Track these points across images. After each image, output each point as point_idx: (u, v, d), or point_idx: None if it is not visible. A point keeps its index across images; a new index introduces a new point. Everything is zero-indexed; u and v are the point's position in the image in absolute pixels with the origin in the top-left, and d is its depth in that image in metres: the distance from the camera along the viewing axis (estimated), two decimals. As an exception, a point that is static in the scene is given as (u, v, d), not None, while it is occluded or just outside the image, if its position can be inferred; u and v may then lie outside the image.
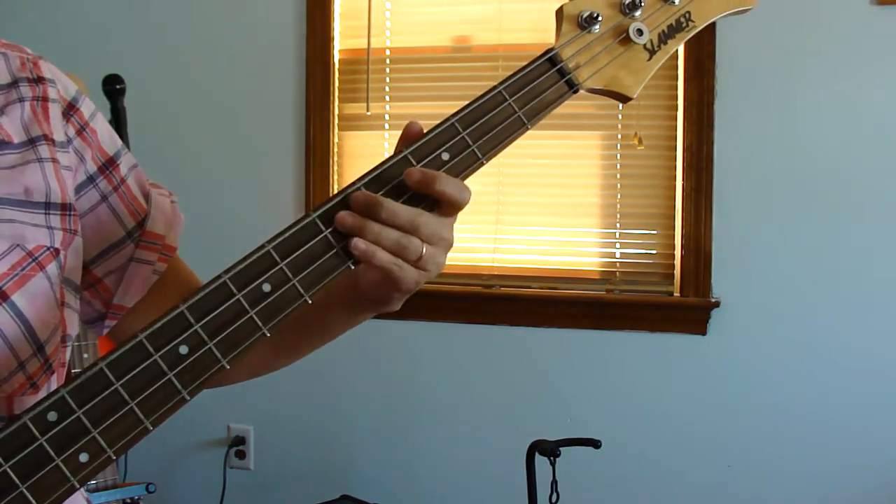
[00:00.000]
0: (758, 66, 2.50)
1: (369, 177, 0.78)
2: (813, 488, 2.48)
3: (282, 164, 2.81)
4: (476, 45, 2.73)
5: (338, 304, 0.90)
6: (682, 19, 0.87)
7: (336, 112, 2.80)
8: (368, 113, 2.76)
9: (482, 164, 0.81)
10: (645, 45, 0.86)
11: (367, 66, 2.74)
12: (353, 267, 0.76)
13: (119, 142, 0.94)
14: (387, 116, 2.78)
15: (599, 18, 0.85)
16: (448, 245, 0.80)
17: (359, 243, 0.76)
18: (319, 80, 2.78)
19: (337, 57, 2.79)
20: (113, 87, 2.24)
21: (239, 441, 2.87)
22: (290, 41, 2.80)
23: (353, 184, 0.77)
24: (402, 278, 0.78)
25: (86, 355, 2.02)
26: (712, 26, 2.73)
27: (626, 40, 0.86)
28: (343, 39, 2.80)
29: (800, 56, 2.48)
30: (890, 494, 2.43)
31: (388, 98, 2.78)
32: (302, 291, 0.73)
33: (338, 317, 0.91)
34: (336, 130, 2.80)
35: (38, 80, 0.87)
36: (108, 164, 0.91)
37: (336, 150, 2.80)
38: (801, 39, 2.47)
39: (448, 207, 0.79)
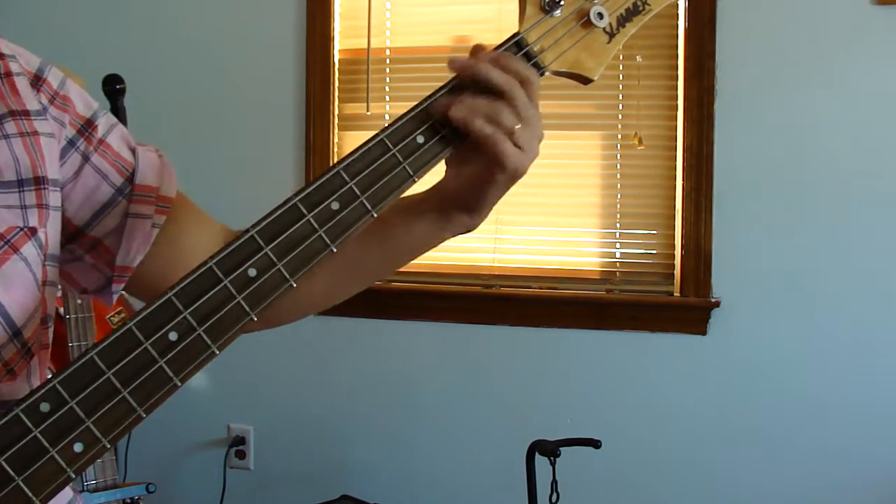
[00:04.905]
0: (758, 66, 2.50)
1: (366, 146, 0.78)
2: (813, 488, 2.48)
3: (282, 164, 2.81)
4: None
5: (421, 218, 0.89)
6: (639, 3, 0.89)
7: (336, 112, 2.80)
8: (368, 113, 2.75)
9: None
10: (605, 29, 0.88)
11: (367, 66, 2.74)
12: (335, 251, 0.75)
13: (95, 104, 0.91)
14: (387, 116, 2.78)
15: (562, 3, 0.86)
16: (540, 131, 0.81)
17: (457, 111, 0.77)
18: (319, 80, 2.78)
19: (337, 57, 2.79)
20: (113, 87, 2.24)
21: (239, 441, 2.87)
22: (290, 41, 2.80)
23: (332, 167, 0.77)
24: (503, 152, 0.78)
25: (86, 355, 2.02)
26: (712, 26, 2.72)
27: (587, 24, 0.87)
28: (343, 39, 2.80)
29: (800, 56, 2.48)
30: (891, 493, 2.43)
31: (388, 98, 2.78)
32: (287, 276, 0.74)
33: (420, 231, 0.90)
34: (336, 130, 2.80)
35: None
36: (87, 126, 0.88)
37: (336, 150, 2.80)
38: (801, 39, 2.47)
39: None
